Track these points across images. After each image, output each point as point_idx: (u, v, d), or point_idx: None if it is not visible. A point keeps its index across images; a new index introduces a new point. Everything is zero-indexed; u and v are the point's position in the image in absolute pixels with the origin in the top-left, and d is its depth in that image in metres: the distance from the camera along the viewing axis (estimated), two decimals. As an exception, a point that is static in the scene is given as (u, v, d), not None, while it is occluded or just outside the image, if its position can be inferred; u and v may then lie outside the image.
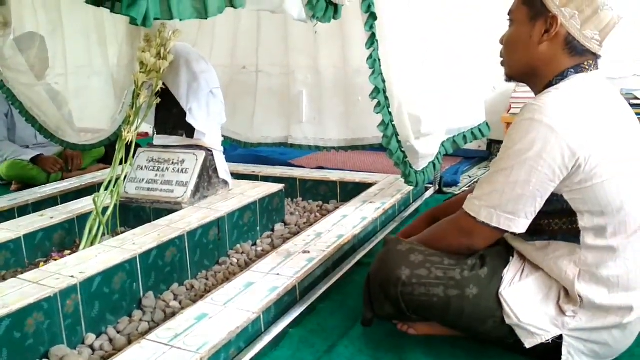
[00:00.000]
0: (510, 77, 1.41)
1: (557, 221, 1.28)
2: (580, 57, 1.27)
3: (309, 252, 1.87)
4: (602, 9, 1.23)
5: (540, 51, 1.29)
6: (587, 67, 1.28)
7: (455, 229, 1.35)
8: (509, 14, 1.38)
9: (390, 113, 2.21)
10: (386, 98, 2.21)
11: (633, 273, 1.23)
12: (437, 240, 1.40)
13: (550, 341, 1.26)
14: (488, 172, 1.29)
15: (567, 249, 1.27)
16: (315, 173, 3.00)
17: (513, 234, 1.31)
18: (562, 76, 1.28)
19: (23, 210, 2.42)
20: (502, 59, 1.41)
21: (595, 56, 1.29)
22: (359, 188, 2.72)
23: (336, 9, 1.89)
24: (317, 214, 2.63)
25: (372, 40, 2.08)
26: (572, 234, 1.26)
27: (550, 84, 1.29)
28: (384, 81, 2.16)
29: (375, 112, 2.18)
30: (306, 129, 3.21)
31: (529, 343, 1.27)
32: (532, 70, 1.33)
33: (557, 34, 1.26)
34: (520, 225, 1.25)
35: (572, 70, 1.27)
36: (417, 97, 2.39)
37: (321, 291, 1.74)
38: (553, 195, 1.24)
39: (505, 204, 1.23)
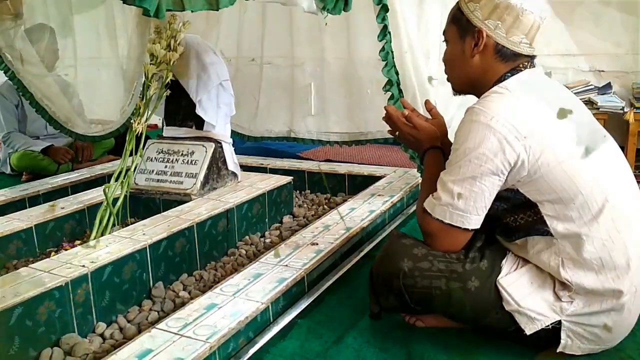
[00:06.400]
0: (457, 92, 1.49)
1: (522, 215, 1.32)
2: (514, 61, 1.35)
3: (317, 244, 1.88)
4: (522, 14, 1.31)
5: (474, 64, 1.38)
6: (523, 69, 1.34)
7: (422, 231, 1.40)
8: (443, 34, 1.46)
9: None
10: (400, 90, 2.19)
11: (615, 251, 1.24)
12: None
13: (550, 327, 1.27)
14: (442, 173, 1.34)
15: (544, 242, 1.29)
16: (324, 166, 3.00)
17: (493, 234, 1.38)
18: (500, 81, 1.34)
19: (34, 200, 2.44)
20: (447, 76, 1.48)
21: (530, 57, 1.36)
22: (367, 181, 2.72)
23: (346, 0, 1.89)
24: (325, 207, 2.63)
25: (384, 33, 2.07)
26: (542, 226, 1.28)
27: None
28: (397, 73, 2.15)
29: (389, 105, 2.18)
30: (309, 123, 3.19)
31: (529, 329, 1.28)
32: (473, 82, 1.41)
33: (485, 45, 1.35)
34: (473, 221, 1.30)
35: (509, 74, 1.35)
36: (432, 89, 2.37)
37: (329, 283, 1.75)
38: (510, 190, 1.30)
39: (457, 201, 1.28)
